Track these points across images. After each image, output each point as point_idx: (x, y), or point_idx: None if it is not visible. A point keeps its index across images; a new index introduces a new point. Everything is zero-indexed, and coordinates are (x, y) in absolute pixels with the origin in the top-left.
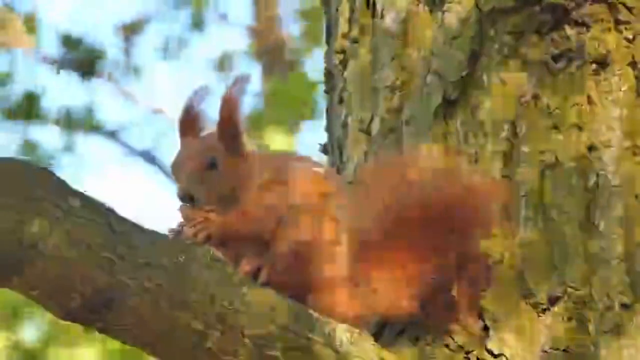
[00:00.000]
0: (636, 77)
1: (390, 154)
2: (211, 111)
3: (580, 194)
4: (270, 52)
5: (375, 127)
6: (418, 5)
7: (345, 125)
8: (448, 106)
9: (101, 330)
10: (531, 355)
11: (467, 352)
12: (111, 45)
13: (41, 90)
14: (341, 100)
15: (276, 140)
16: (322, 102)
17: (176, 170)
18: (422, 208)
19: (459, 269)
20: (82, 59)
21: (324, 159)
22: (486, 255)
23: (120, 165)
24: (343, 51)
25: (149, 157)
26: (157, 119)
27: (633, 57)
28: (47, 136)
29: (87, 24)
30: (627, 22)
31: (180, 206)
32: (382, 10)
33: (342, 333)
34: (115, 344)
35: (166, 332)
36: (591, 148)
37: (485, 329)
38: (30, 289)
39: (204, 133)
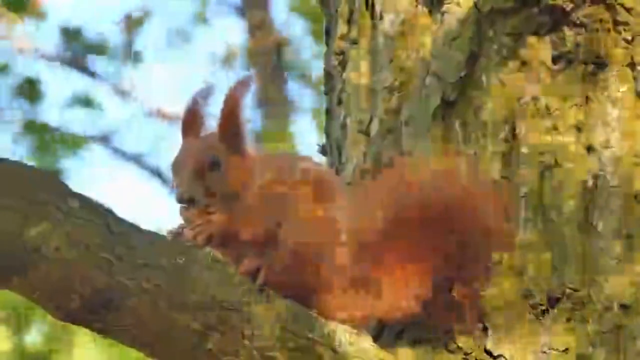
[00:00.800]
0: (635, 78)
1: (390, 155)
2: (214, 110)
3: (579, 195)
4: (265, 53)
5: (374, 128)
6: (417, 6)
7: (344, 126)
8: (447, 107)
9: (100, 331)
10: (530, 356)
11: (467, 353)
12: (113, 38)
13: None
14: (340, 102)
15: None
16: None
17: (175, 171)
18: (421, 208)
19: (459, 269)
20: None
21: (322, 159)
22: (486, 256)
23: (114, 169)
24: (342, 52)
25: (142, 162)
26: (155, 120)
27: (632, 58)
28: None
29: (88, 15)
30: (626, 23)
31: (180, 207)
32: (381, 11)
33: (342, 334)
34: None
35: (165, 333)
36: (590, 149)
37: (485, 329)
38: (31, 291)
39: (205, 133)
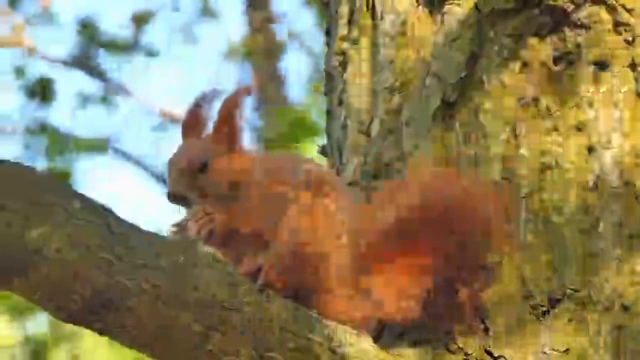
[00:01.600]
0: (635, 79)
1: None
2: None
3: (580, 196)
4: (263, 53)
5: (375, 128)
6: (417, 7)
7: (344, 126)
8: (447, 108)
9: (101, 332)
10: (531, 357)
11: (467, 354)
12: (122, 34)
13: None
14: (341, 102)
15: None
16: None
17: (167, 170)
18: (421, 209)
19: (459, 270)
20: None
21: (323, 160)
22: (486, 257)
23: (115, 169)
24: (343, 53)
25: (143, 163)
26: (157, 120)
27: (632, 58)
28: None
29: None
30: (627, 24)
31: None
32: (382, 12)
33: (342, 334)
34: None
35: (165, 334)
36: (591, 150)
37: (485, 330)
38: (32, 292)
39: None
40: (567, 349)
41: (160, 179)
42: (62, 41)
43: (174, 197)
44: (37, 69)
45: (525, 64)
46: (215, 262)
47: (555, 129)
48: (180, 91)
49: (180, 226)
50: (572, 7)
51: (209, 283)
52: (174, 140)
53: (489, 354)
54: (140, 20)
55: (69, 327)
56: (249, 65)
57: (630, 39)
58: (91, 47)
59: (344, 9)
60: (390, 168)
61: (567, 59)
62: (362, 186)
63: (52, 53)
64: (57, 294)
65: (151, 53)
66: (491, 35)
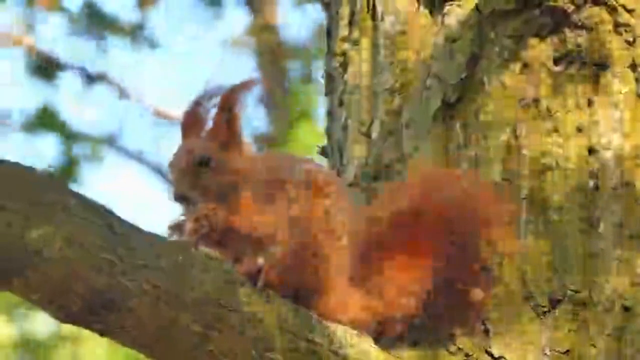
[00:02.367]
0: (636, 80)
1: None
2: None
3: (580, 196)
4: (268, 51)
5: (375, 129)
6: (418, 8)
7: (345, 127)
8: (448, 109)
9: (101, 332)
10: (531, 357)
11: (468, 355)
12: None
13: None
14: (341, 103)
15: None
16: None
17: (170, 171)
18: (421, 211)
19: (460, 271)
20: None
21: (324, 161)
22: (486, 257)
23: (118, 168)
24: (343, 54)
25: (146, 160)
26: (158, 119)
27: (633, 59)
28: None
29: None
30: (627, 25)
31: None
32: (382, 13)
33: (342, 335)
34: None
35: (166, 334)
36: (591, 150)
37: (486, 331)
38: (31, 293)
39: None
40: (568, 350)
41: (161, 174)
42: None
43: (178, 198)
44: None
45: (525, 65)
46: (215, 263)
47: (556, 130)
48: (182, 86)
49: (177, 226)
50: (572, 8)
51: (208, 284)
52: (174, 137)
53: (490, 354)
54: (146, 2)
55: (68, 328)
56: (253, 61)
57: (630, 39)
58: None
59: (345, 10)
60: (390, 169)
61: (567, 59)
62: (363, 187)
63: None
64: (57, 294)
65: (153, 45)
66: (492, 36)
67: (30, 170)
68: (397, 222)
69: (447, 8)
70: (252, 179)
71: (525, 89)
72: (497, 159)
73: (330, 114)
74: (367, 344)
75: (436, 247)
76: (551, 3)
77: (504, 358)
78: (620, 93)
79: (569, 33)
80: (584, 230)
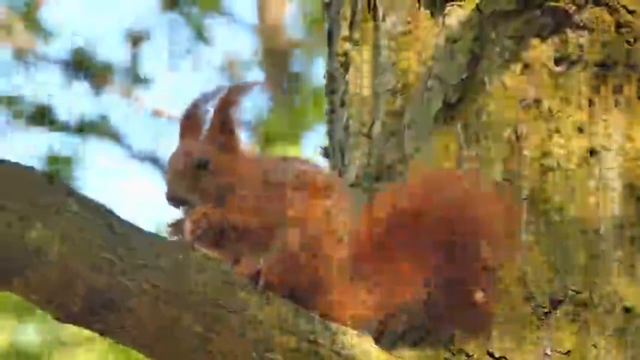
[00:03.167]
0: (638, 80)
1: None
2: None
3: (581, 197)
4: (274, 55)
5: (377, 130)
6: (419, 8)
7: (346, 128)
8: (449, 109)
9: (101, 332)
10: (532, 359)
11: (468, 355)
12: (118, 53)
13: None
14: (343, 104)
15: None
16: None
17: (167, 173)
18: (422, 211)
19: (461, 271)
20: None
21: (325, 161)
22: (487, 258)
23: (123, 168)
24: (344, 54)
25: (151, 160)
26: (159, 121)
27: (634, 60)
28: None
29: (93, 30)
30: (628, 25)
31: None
32: (383, 13)
33: (343, 335)
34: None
35: (166, 334)
36: (592, 151)
37: (487, 332)
38: (31, 293)
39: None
40: (569, 351)
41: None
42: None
43: (172, 200)
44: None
45: (526, 66)
46: (214, 263)
47: (557, 131)
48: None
49: (177, 226)
50: (573, 8)
51: (208, 284)
52: (174, 137)
53: (491, 355)
54: (136, 40)
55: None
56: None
57: (631, 40)
58: (88, 71)
59: (346, 11)
60: (392, 170)
61: (568, 60)
62: (364, 188)
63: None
64: (57, 294)
65: (145, 80)
66: (493, 37)
67: (30, 170)
68: (398, 222)
69: (448, 8)
70: (250, 180)
71: (526, 89)
72: (498, 160)
73: (331, 114)
74: (368, 344)
75: (437, 247)
76: (552, 3)
77: (505, 359)
78: (622, 94)
79: (570, 34)
80: (585, 232)
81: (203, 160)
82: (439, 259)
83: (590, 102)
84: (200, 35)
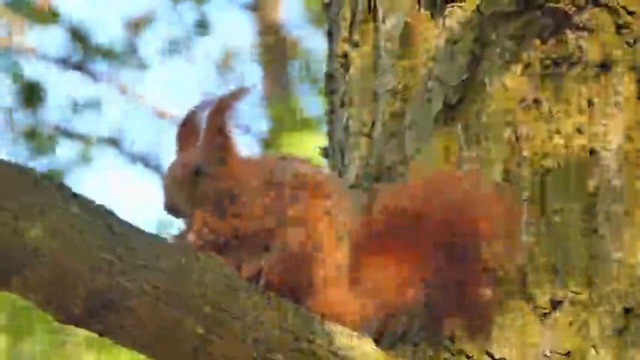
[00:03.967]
0: (637, 81)
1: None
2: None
3: (581, 198)
4: (272, 50)
5: (377, 131)
6: (419, 9)
7: (346, 128)
8: (449, 110)
9: (101, 333)
10: (532, 359)
11: (468, 356)
12: (118, 41)
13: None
14: (343, 104)
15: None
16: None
17: (165, 183)
18: (423, 212)
19: (461, 272)
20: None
21: (324, 162)
22: (488, 259)
23: (121, 170)
24: (344, 55)
25: (149, 162)
26: (159, 121)
27: (634, 61)
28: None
29: (93, 17)
30: (628, 26)
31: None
32: (383, 14)
33: (344, 336)
34: None
35: (166, 335)
36: (592, 152)
37: (487, 332)
38: (31, 293)
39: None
40: (569, 352)
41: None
42: (57, 42)
43: (170, 210)
44: (32, 69)
45: (527, 66)
46: (215, 264)
47: (557, 132)
48: (181, 92)
49: (181, 238)
50: (573, 9)
51: (209, 285)
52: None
53: (490, 356)
54: (136, 27)
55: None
56: (252, 68)
57: (631, 40)
58: (85, 53)
59: (346, 11)
60: (392, 171)
61: (568, 61)
62: (364, 188)
63: (50, 53)
64: (57, 294)
65: (143, 65)
66: (493, 38)
67: (28, 170)
68: (398, 223)
69: (448, 9)
70: (249, 183)
71: (527, 90)
72: (498, 161)
73: (331, 114)
74: (368, 345)
75: (437, 248)
76: (552, 4)
77: (505, 359)
78: (621, 95)
79: (570, 34)
80: (585, 232)
81: (200, 169)
82: (439, 260)
83: (590, 103)
84: (201, 23)
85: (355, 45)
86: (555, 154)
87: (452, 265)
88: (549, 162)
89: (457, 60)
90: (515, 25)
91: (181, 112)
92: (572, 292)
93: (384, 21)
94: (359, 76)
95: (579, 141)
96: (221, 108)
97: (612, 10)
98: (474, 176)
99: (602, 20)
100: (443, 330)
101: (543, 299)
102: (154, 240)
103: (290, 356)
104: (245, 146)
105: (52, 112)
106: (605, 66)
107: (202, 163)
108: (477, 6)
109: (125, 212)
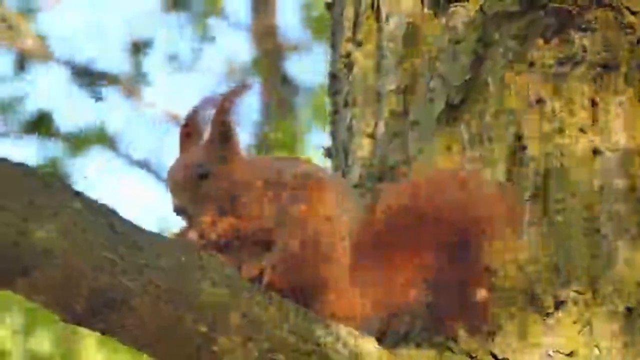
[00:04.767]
0: None
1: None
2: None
3: (584, 198)
4: (269, 56)
5: (380, 131)
6: (422, 9)
7: (350, 128)
8: (452, 110)
9: (103, 332)
10: (535, 359)
11: (471, 356)
12: (121, 63)
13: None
14: (346, 104)
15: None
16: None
17: (169, 184)
18: (425, 210)
19: (463, 270)
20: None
21: (328, 162)
22: (490, 258)
23: (122, 175)
24: (348, 55)
25: (150, 167)
26: (160, 123)
27: (638, 60)
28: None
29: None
30: (632, 26)
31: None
32: (387, 14)
33: (346, 336)
34: None
35: (168, 334)
36: (596, 151)
37: (490, 332)
38: (35, 293)
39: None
40: (572, 351)
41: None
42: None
43: (179, 212)
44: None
45: (530, 66)
46: (217, 263)
47: (560, 131)
48: (183, 95)
49: (182, 235)
50: (577, 9)
51: (210, 285)
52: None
53: (494, 356)
54: (138, 49)
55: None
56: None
57: (635, 40)
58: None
59: (349, 11)
60: (395, 171)
61: (572, 60)
62: (367, 188)
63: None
64: (61, 294)
65: (147, 82)
66: (496, 37)
67: (31, 170)
68: (400, 222)
69: (451, 9)
70: (252, 183)
71: (530, 90)
72: (501, 160)
73: (334, 114)
74: (371, 345)
75: (439, 247)
76: (556, 4)
77: (508, 359)
78: (625, 94)
79: (573, 34)
80: (588, 231)
81: (203, 169)
82: (441, 259)
83: (594, 103)
84: (204, 35)
85: (359, 45)
86: (558, 153)
87: (454, 265)
88: (552, 162)
89: (460, 60)
90: (519, 25)
91: (183, 115)
92: (575, 291)
93: (387, 21)
94: (362, 76)
95: (582, 141)
96: (225, 106)
97: (616, 10)
98: (476, 176)
99: (605, 20)
100: (445, 331)
101: (546, 299)
102: (154, 239)
103: (292, 356)
104: (245, 147)
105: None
106: (608, 66)
107: (205, 162)
108: (481, 6)
109: (125, 215)
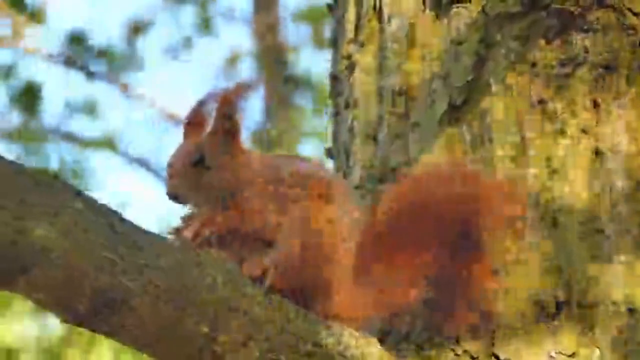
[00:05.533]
0: None
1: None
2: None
3: (586, 199)
4: (270, 53)
5: (382, 132)
6: (424, 10)
7: (351, 129)
8: (454, 111)
9: (105, 333)
10: None
11: (473, 357)
12: (118, 43)
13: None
14: (347, 105)
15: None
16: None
17: (167, 171)
18: (431, 205)
19: (465, 270)
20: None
21: (329, 163)
22: (493, 257)
23: (120, 172)
24: (349, 56)
25: (147, 165)
26: (160, 122)
27: (639, 61)
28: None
29: (93, 21)
30: (633, 27)
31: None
32: (389, 15)
33: (348, 337)
34: None
35: (168, 335)
36: (597, 152)
37: (492, 334)
38: (36, 293)
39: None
40: (574, 353)
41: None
42: (55, 44)
43: (171, 197)
44: (31, 69)
45: (532, 67)
46: (217, 263)
47: (562, 132)
48: (183, 93)
49: (180, 230)
50: (579, 10)
51: (211, 284)
52: (177, 140)
53: (495, 357)
54: (136, 30)
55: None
56: (255, 70)
57: (637, 42)
58: (85, 55)
59: (351, 13)
60: (397, 172)
61: (574, 61)
62: (369, 189)
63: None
64: (62, 294)
65: (143, 67)
66: (498, 38)
67: (32, 169)
68: (402, 219)
69: (453, 10)
70: (253, 179)
71: (532, 90)
72: (503, 161)
73: (336, 115)
74: (373, 346)
75: (440, 245)
76: (558, 5)
77: None
78: (627, 95)
79: (575, 35)
80: (590, 233)
81: (203, 159)
82: (443, 256)
83: (595, 104)
84: (205, 24)
85: (361, 46)
86: (560, 154)
87: (456, 260)
88: (554, 163)
89: (462, 61)
90: (521, 26)
91: (183, 113)
92: (577, 293)
93: (389, 22)
94: (363, 77)
95: (584, 142)
96: (229, 99)
97: (618, 12)
98: (479, 172)
99: (607, 21)
100: (447, 330)
101: (548, 300)
102: (154, 239)
103: (292, 357)
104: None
105: (51, 113)
106: (610, 67)
107: (207, 151)
108: (482, 7)
109: (125, 214)
